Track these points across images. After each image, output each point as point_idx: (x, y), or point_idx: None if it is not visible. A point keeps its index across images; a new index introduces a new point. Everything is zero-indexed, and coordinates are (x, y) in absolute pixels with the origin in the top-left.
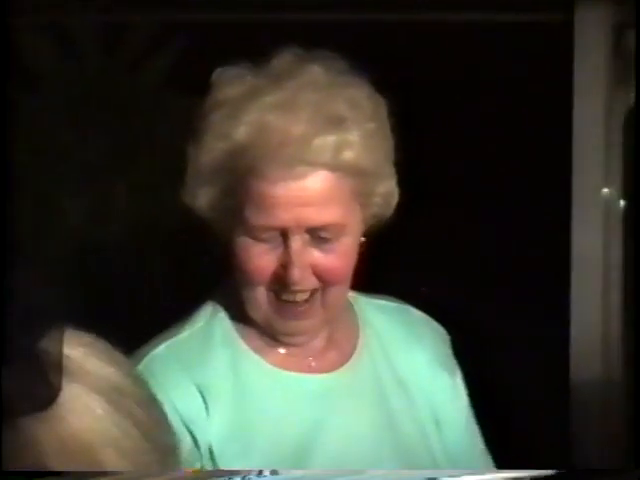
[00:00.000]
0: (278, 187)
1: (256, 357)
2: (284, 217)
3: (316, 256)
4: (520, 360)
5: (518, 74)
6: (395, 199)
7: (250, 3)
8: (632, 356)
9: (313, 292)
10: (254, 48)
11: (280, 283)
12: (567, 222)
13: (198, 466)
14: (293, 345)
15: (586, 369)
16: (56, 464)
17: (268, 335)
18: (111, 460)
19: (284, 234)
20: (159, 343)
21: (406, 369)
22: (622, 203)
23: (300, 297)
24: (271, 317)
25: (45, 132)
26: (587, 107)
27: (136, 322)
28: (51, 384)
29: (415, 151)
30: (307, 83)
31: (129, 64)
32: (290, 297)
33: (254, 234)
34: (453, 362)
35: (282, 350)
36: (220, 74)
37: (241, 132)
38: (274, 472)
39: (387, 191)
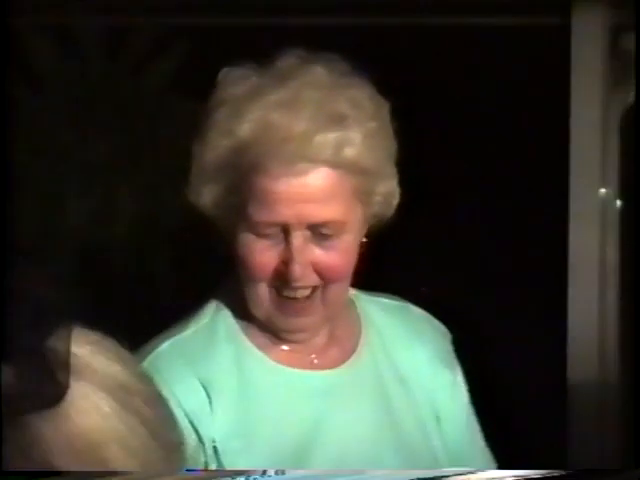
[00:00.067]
0: (280, 183)
1: (259, 354)
2: (286, 213)
3: (317, 253)
4: (518, 360)
5: (517, 76)
6: (396, 199)
7: (253, 7)
8: (629, 355)
9: (314, 289)
10: (257, 51)
11: (281, 280)
12: (565, 222)
13: (202, 461)
14: (294, 342)
15: (583, 368)
16: (63, 462)
17: (270, 332)
18: (118, 458)
19: (286, 230)
20: (164, 340)
21: (407, 366)
22: (619, 203)
23: (301, 294)
24: (273, 314)
25: (49, 132)
26: (584, 108)
27: (142, 320)
28: (59, 382)
29: (415, 152)
30: (310, 82)
31: (133, 66)
32: (291, 294)
33: (257, 230)
34: (454, 359)
35: (285, 347)
36: (226, 74)
37: (245, 129)
38: (278, 472)
39: (388, 191)
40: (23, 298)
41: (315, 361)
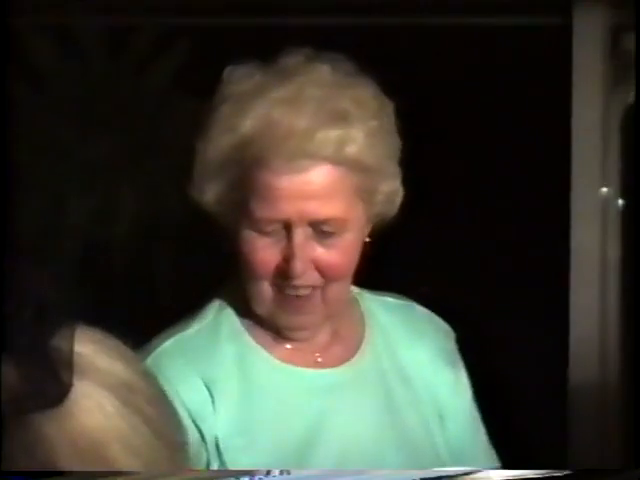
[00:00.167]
0: (282, 179)
1: (263, 352)
2: (287, 209)
3: (318, 251)
4: (519, 360)
5: (518, 76)
6: (399, 198)
7: (253, 7)
8: (630, 355)
9: (314, 288)
10: (257, 51)
11: (283, 277)
12: (566, 221)
13: (204, 460)
14: (297, 340)
15: (584, 368)
16: (66, 461)
17: (273, 330)
18: (121, 457)
19: (287, 227)
20: (167, 338)
21: (410, 364)
22: (620, 202)
23: (302, 292)
24: (274, 312)
25: (50, 132)
26: (585, 108)
27: (143, 319)
28: (62, 381)
29: (415, 152)
30: (313, 80)
31: (133, 66)
32: (292, 292)
33: (259, 227)
34: (457, 358)
35: (288, 345)
36: (230, 72)
37: (247, 125)
38: (283, 472)
39: (391, 190)
40: (25, 297)
41: (318, 359)
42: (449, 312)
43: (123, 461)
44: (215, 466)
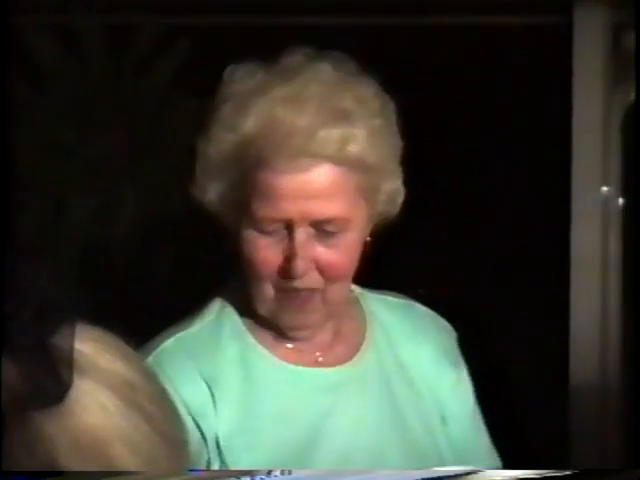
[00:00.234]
0: (284, 179)
1: (264, 351)
2: (289, 209)
3: (319, 250)
4: (519, 359)
5: (518, 76)
6: (401, 197)
7: (253, 7)
8: (631, 355)
9: (315, 288)
10: (258, 51)
11: (284, 276)
12: (567, 221)
13: (205, 459)
14: (298, 339)
15: (585, 368)
16: (67, 460)
17: (275, 329)
18: (122, 455)
19: (289, 227)
20: (168, 337)
21: (412, 364)
22: (621, 201)
23: (303, 292)
24: (276, 311)
25: (51, 131)
26: (586, 107)
27: (145, 317)
28: (63, 380)
29: (414, 151)
30: (315, 78)
31: (134, 65)
32: (293, 292)
33: (260, 227)
34: (459, 357)
35: (289, 345)
36: (232, 71)
37: (249, 124)
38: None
39: (393, 189)
40: (25, 296)
41: (320, 359)
42: (449, 312)
43: (124, 459)
44: (216, 465)
